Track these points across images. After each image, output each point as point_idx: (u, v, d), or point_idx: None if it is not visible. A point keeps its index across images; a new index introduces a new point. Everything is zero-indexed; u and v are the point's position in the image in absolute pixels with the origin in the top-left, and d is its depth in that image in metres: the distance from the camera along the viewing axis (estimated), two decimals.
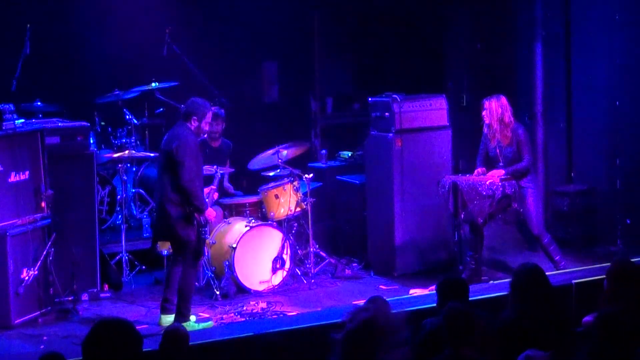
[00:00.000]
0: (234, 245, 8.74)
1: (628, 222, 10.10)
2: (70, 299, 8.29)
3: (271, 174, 9.29)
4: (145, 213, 10.15)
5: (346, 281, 9.22)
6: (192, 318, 7.80)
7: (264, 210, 9.26)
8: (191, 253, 7.79)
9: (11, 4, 10.51)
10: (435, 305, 5.76)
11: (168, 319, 7.77)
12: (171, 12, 11.01)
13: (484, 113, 8.77)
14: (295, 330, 6.74)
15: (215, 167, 9.06)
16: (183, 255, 7.78)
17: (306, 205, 9.16)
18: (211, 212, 7.96)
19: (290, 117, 12.07)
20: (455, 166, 9.96)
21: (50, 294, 8.15)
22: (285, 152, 9.27)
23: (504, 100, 8.75)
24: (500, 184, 8.60)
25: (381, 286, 9.02)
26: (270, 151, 9.26)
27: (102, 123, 10.62)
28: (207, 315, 8.16)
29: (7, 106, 8.83)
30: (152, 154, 9.72)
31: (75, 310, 8.19)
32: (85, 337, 4.14)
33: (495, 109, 8.70)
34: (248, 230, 8.82)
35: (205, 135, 9.35)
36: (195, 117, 7.76)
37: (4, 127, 8.10)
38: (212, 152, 9.45)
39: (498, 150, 8.79)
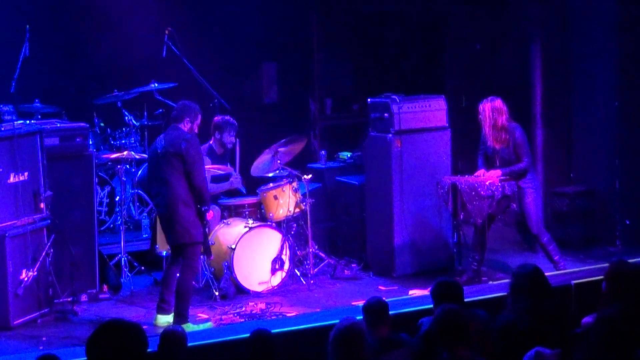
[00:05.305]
0: (233, 246, 8.74)
1: (627, 222, 10.11)
2: (69, 300, 8.29)
3: (270, 174, 9.28)
4: (145, 214, 10.15)
5: (345, 282, 9.22)
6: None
7: (263, 211, 9.25)
8: (196, 254, 7.82)
9: (11, 4, 10.52)
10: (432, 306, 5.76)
11: (164, 319, 7.79)
12: (170, 13, 11.02)
13: (479, 117, 8.77)
14: (295, 331, 6.73)
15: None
16: (186, 256, 7.79)
17: (305, 206, 9.15)
18: (211, 213, 8.00)
19: (289, 118, 12.07)
20: (455, 167, 9.96)
21: (50, 295, 8.15)
22: (283, 149, 9.23)
23: (498, 103, 8.71)
24: (499, 184, 8.60)
25: (380, 287, 9.01)
26: (269, 152, 9.24)
27: (102, 124, 10.62)
28: (206, 316, 8.16)
29: (7, 107, 8.83)
30: None
31: (74, 311, 8.19)
32: (89, 337, 4.13)
33: (489, 115, 8.69)
34: (247, 231, 8.82)
35: (212, 142, 9.39)
36: (188, 119, 7.86)
37: (3, 129, 8.11)
38: (217, 157, 9.42)
39: (494, 151, 8.79)
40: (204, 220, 7.79)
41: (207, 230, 7.98)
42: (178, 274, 7.87)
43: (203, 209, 7.72)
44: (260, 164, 9.31)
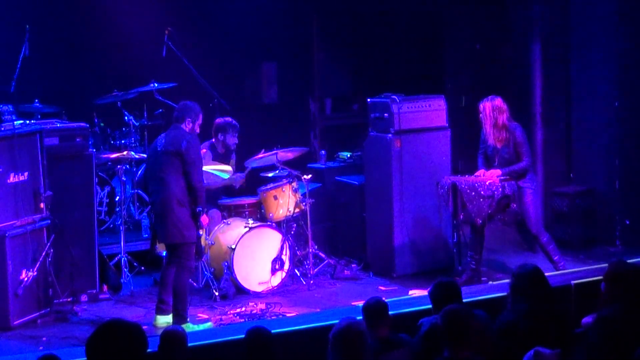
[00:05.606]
0: (233, 247, 8.73)
1: (627, 222, 10.11)
2: (69, 300, 8.30)
3: (270, 174, 9.28)
4: (145, 214, 10.14)
5: (345, 282, 9.22)
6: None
7: (263, 211, 9.25)
8: (190, 254, 7.81)
9: (11, 4, 10.52)
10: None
11: (163, 320, 7.79)
12: (170, 13, 11.02)
13: (480, 116, 8.77)
14: (295, 331, 6.72)
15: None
16: (180, 256, 7.78)
17: (305, 206, 9.15)
18: (205, 218, 7.99)
19: (289, 118, 12.08)
20: (455, 167, 9.96)
21: (49, 295, 8.14)
22: (283, 154, 9.27)
23: (498, 102, 8.72)
24: (500, 184, 8.59)
25: (380, 287, 9.01)
26: (269, 154, 9.26)
27: (101, 124, 10.62)
28: (206, 316, 8.16)
29: (6, 107, 8.82)
30: None
31: (74, 311, 8.19)
32: (89, 337, 4.13)
33: (489, 113, 8.69)
34: (247, 231, 8.82)
35: (213, 140, 9.39)
36: (189, 119, 7.88)
37: (3, 128, 8.10)
38: (218, 155, 9.43)
39: (495, 150, 8.79)
40: (198, 221, 7.79)
41: (205, 232, 7.96)
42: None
43: (198, 210, 7.72)
44: (258, 159, 9.31)
